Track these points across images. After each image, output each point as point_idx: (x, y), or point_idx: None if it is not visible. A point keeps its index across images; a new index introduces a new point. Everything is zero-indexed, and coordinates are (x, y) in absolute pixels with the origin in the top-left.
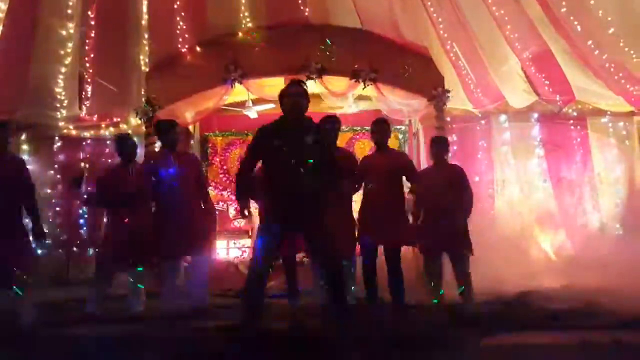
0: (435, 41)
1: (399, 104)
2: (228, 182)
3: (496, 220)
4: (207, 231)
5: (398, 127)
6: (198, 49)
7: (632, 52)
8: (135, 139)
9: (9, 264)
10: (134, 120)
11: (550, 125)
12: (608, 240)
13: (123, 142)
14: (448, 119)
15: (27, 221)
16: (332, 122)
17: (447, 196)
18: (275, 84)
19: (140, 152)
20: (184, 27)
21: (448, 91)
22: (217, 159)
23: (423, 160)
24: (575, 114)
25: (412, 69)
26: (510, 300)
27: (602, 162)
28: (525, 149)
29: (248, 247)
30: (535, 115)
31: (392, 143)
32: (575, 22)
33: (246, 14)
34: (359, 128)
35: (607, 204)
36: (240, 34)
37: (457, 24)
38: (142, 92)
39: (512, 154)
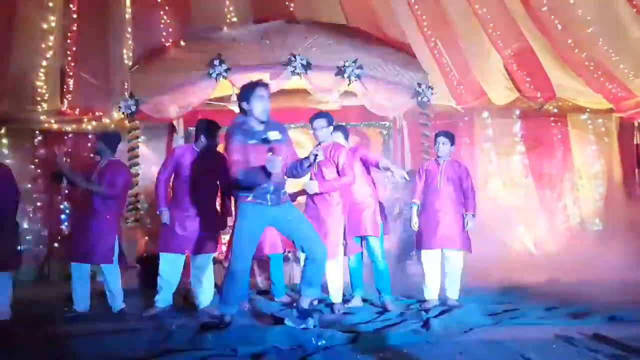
0: (419, 38)
1: (383, 99)
2: None
3: (478, 215)
4: (214, 229)
5: (383, 122)
6: (182, 43)
7: (610, 50)
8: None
9: None
10: (117, 115)
11: (531, 121)
12: (587, 236)
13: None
14: (431, 115)
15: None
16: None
17: (449, 192)
18: (260, 79)
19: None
20: (168, 20)
21: (431, 87)
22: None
23: (407, 157)
24: (555, 110)
25: (396, 66)
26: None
27: (581, 158)
28: (508, 145)
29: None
30: (517, 111)
31: (376, 139)
32: (556, 21)
33: (231, 8)
34: (344, 124)
35: (587, 200)
36: (225, 28)
37: (441, 21)
38: (126, 86)
39: (494, 150)
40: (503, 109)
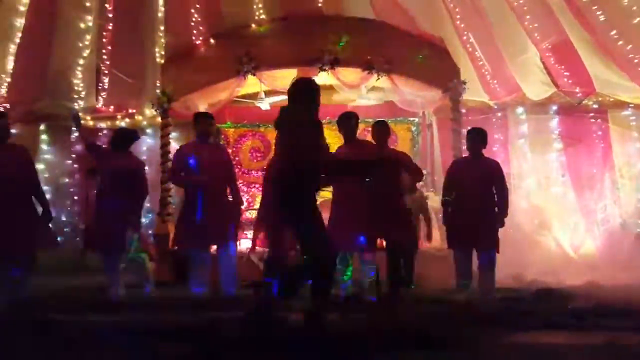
0: (452, 32)
1: (413, 95)
2: (240, 173)
3: (513, 216)
4: (234, 222)
5: (411, 119)
6: (212, 41)
7: None
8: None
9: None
10: (149, 112)
11: (569, 117)
12: (629, 237)
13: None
14: (463, 110)
15: None
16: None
17: (480, 190)
18: (287, 76)
19: (153, 143)
20: (199, 19)
21: (464, 82)
22: (230, 150)
23: (437, 154)
24: (595, 106)
25: (427, 60)
26: (530, 297)
27: (623, 156)
28: (543, 142)
29: None
30: (554, 107)
31: (404, 135)
32: (599, 12)
33: (260, 5)
34: (371, 120)
35: (628, 200)
36: (253, 25)
37: (474, 14)
38: (158, 84)
39: (529, 147)
40: (539, 104)
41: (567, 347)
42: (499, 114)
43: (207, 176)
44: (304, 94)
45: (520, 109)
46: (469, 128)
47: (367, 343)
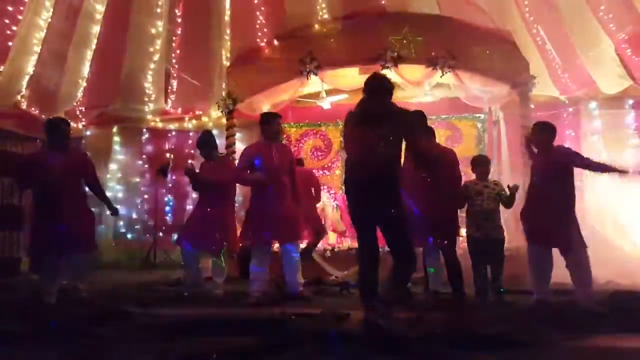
0: (520, 25)
1: (480, 91)
2: None
3: (585, 215)
4: (297, 220)
5: (477, 115)
6: (276, 42)
7: None
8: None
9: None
10: (215, 113)
11: None
12: None
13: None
14: (532, 106)
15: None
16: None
17: (549, 186)
18: (348, 75)
19: (219, 143)
20: (264, 21)
21: (533, 77)
22: (292, 149)
23: (504, 150)
24: None
25: (494, 55)
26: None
27: None
28: (619, 138)
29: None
30: (630, 101)
31: (469, 132)
32: None
33: (323, 5)
34: (434, 117)
35: None
36: (316, 25)
37: (544, 5)
38: (223, 86)
39: (603, 144)
40: (613, 98)
41: None
42: (571, 109)
43: (274, 175)
44: (385, 89)
45: (593, 104)
46: (536, 122)
47: (444, 343)
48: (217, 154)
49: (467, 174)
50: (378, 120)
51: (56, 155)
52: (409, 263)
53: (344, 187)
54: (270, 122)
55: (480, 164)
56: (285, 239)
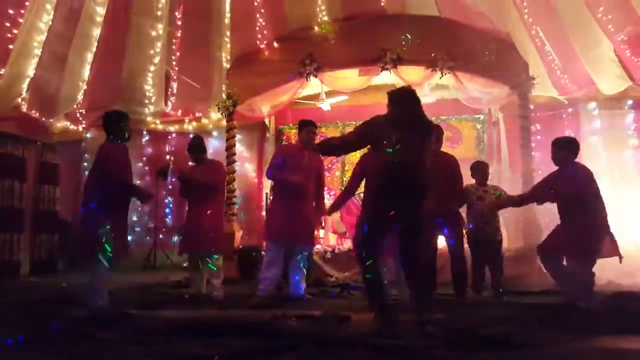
0: (520, 26)
1: (479, 92)
2: None
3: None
4: (313, 226)
5: (477, 116)
6: (275, 44)
7: None
8: (215, 133)
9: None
10: (215, 115)
11: None
12: None
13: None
14: (532, 106)
15: None
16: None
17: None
18: (348, 76)
19: (219, 144)
20: (264, 23)
21: (533, 78)
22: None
23: (504, 151)
24: None
25: (493, 56)
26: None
27: None
28: (618, 138)
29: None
30: (630, 102)
31: (469, 133)
32: None
33: (322, 7)
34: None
35: None
36: (315, 27)
37: (543, 7)
38: (223, 88)
39: (602, 145)
40: (613, 99)
41: None
42: (570, 110)
43: (304, 177)
44: (419, 99)
45: (592, 104)
46: (555, 139)
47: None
48: (206, 158)
49: (466, 178)
50: (418, 127)
51: None
52: (423, 268)
53: (370, 181)
54: (302, 129)
55: (479, 169)
56: (301, 241)
